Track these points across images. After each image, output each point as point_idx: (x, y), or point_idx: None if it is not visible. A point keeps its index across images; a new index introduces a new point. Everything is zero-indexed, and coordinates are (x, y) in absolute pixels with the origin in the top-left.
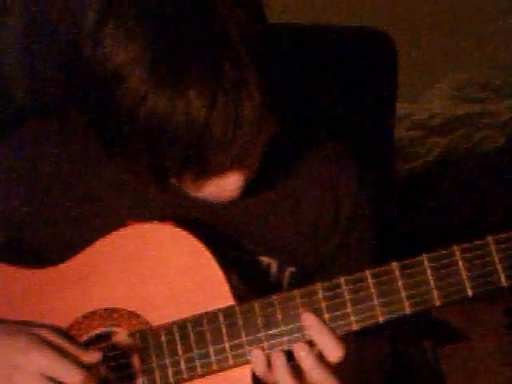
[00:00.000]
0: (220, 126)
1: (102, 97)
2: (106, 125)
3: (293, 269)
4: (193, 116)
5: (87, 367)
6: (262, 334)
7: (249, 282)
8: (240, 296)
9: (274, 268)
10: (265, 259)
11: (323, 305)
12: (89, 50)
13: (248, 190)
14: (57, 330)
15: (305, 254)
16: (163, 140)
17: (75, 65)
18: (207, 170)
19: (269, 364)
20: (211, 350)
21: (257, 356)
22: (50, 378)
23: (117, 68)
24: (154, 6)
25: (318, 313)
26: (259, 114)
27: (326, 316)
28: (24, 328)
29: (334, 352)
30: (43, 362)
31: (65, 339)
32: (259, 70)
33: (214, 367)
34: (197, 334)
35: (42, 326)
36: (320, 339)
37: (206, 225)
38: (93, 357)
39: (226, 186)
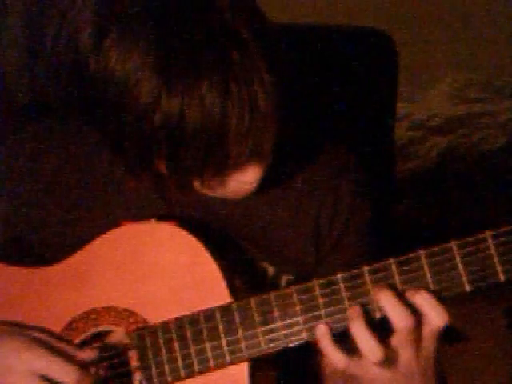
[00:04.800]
0: (236, 114)
1: (112, 108)
2: (121, 136)
3: (290, 277)
4: (208, 109)
5: (83, 366)
6: (258, 331)
7: (246, 283)
8: (240, 297)
9: (270, 273)
10: (263, 264)
11: (320, 301)
12: (93, 65)
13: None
14: (49, 332)
15: (304, 262)
16: (183, 140)
17: (79, 81)
18: (227, 163)
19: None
20: (208, 346)
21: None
22: (44, 378)
23: (125, 76)
24: (153, 7)
25: (314, 309)
26: (272, 99)
27: (323, 312)
28: (16, 329)
29: (441, 317)
30: (36, 361)
31: (57, 340)
32: (267, 55)
33: (211, 364)
34: (194, 331)
35: (34, 327)
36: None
37: (205, 224)
38: (87, 355)
39: (245, 178)
